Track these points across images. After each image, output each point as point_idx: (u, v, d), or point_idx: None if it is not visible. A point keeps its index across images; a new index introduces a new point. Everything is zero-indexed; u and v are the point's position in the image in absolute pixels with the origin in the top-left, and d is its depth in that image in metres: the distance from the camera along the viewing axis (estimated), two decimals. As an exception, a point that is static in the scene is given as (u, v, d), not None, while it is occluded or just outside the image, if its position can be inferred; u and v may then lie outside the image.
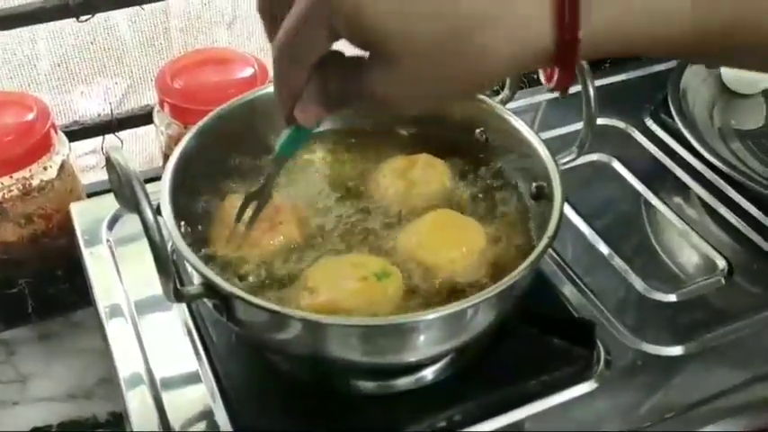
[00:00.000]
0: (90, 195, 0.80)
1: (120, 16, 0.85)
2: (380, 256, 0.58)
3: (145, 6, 0.82)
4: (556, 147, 0.61)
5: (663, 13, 0.38)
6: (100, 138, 0.87)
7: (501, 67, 0.39)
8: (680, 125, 0.80)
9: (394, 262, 0.57)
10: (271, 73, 0.79)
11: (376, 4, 0.37)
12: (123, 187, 0.46)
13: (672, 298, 0.68)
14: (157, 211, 0.52)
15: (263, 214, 0.57)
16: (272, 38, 0.44)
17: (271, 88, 0.66)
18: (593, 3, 0.37)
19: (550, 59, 0.38)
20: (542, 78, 0.44)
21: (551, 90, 0.42)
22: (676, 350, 0.64)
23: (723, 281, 0.70)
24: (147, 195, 0.46)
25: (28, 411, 0.70)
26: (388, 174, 0.64)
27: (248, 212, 0.57)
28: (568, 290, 0.68)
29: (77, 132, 0.85)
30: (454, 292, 0.56)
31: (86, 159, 0.94)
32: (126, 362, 0.61)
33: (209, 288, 0.50)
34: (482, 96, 0.65)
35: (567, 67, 0.39)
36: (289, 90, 0.44)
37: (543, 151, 0.60)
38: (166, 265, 0.47)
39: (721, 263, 0.71)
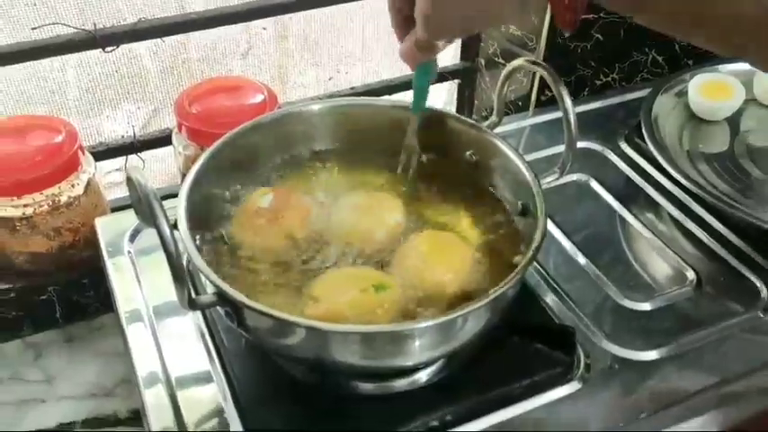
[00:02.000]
0: (114, 210, 0.79)
1: (142, 48, 0.84)
2: (379, 269, 0.57)
3: (165, 39, 0.82)
4: (540, 167, 0.61)
5: None
6: (123, 158, 0.87)
7: None
8: (652, 148, 0.79)
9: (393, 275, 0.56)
10: (279, 99, 0.79)
11: None
12: (142, 204, 0.46)
13: (646, 306, 0.67)
14: (174, 226, 0.52)
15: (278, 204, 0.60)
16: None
17: (282, 112, 0.67)
18: None
19: None
20: (556, 20, 0.46)
21: (561, 26, 0.44)
22: (650, 355, 0.63)
23: (692, 291, 0.69)
24: (164, 211, 0.45)
25: (53, 409, 0.69)
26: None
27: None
28: (550, 299, 0.67)
29: (103, 153, 0.84)
30: (449, 302, 0.55)
31: (112, 176, 0.94)
32: (144, 363, 0.61)
33: (222, 297, 0.50)
34: (472, 121, 0.65)
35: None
36: (398, 38, 0.53)
37: (527, 171, 0.59)
38: (182, 275, 0.47)
39: (690, 274, 0.70)
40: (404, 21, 0.53)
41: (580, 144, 0.85)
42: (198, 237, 0.57)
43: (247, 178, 0.64)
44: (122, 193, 0.91)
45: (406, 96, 0.96)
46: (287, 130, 0.67)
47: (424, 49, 0.53)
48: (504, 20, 0.53)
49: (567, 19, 0.45)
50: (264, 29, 0.92)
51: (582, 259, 0.71)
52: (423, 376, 0.58)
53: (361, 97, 0.88)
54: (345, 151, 0.68)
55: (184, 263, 0.61)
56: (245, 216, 0.60)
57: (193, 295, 0.49)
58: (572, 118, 0.57)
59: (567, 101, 0.57)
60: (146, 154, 0.89)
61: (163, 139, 0.86)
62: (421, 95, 0.60)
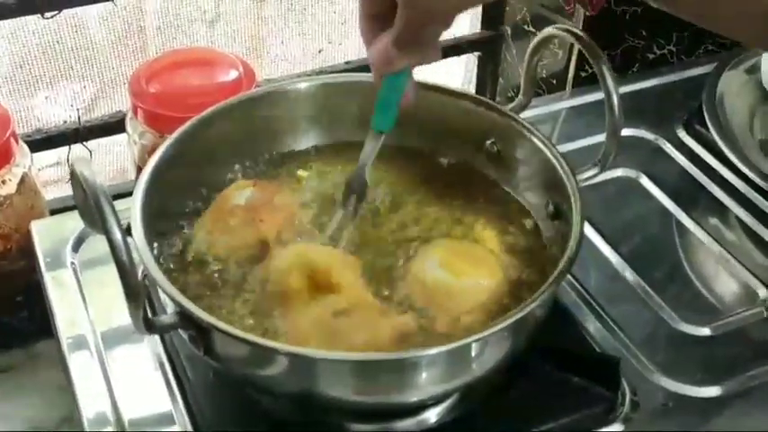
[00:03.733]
0: (54, 213, 0.80)
1: (89, 13, 0.85)
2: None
3: (117, 2, 0.83)
4: (578, 160, 0.62)
5: None
6: (65, 148, 0.88)
7: None
8: (716, 137, 0.80)
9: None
10: (258, 75, 0.80)
11: None
12: (89, 204, 0.47)
13: (707, 331, 0.68)
14: (128, 231, 0.53)
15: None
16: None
17: (260, 92, 0.68)
18: None
19: None
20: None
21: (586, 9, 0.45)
22: (712, 390, 0.63)
23: (765, 312, 0.70)
24: (115, 213, 0.46)
25: (-19, 454, 0.70)
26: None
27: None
28: (590, 322, 0.68)
29: (40, 142, 0.85)
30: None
31: (50, 172, 0.95)
32: (90, 400, 0.61)
33: (184, 317, 0.50)
34: (492, 103, 0.66)
35: None
36: (366, 42, 0.51)
37: (561, 165, 0.60)
38: (136, 291, 0.47)
39: (763, 292, 0.71)
40: (373, 19, 0.52)
41: (628, 131, 0.86)
42: (156, 244, 0.58)
43: (218, 173, 0.65)
44: (64, 191, 0.92)
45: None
46: (268, 113, 0.68)
47: (404, 49, 0.51)
48: None
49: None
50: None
51: (629, 274, 0.72)
52: (432, 416, 0.59)
53: (358, 73, 0.89)
54: (339, 139, 0.69)
55: (140, 276, 0.62)
56: (216, 216, 0.61)
57: (150, 316, 0.50)
58: (615, 100, 0.58)
59: (610, 79, 0.57)
60: (93, 143, 0.90)
61: (114, 126, 0.87)
62: (388, 111, 0.56)
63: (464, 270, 0.58)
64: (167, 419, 0.60)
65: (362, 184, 0.60)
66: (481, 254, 0.61)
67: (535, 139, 0.63)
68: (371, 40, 0.52)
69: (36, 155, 0.80)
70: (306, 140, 0.69)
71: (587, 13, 0.46)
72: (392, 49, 0.50)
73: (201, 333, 0.51)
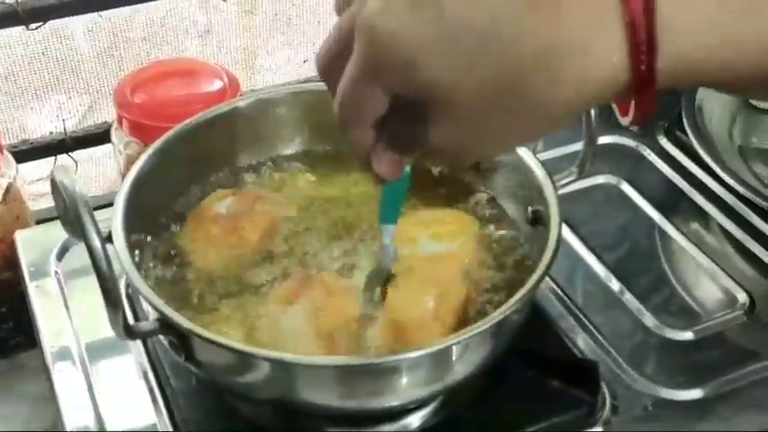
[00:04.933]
0: (39, 222, 0.80)
1: (75, 24, 0.86)
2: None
3: (103, 13, 0.83)
4: (559, 167, 0.62)
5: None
6: (53, 160, 0.88)
7: (572, 110, 0.40)
8: (695, 143, 0.80)
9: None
10: (243, 86, 0.81)
11: (428, 59, 0.39)
12: (69, 212, 0.47)
13: (687, 336, 0.68)
14: (109, 239, 0.53)
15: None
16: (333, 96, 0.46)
17: (242, 101, 0.68)
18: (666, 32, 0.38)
19: (623, 92, 0.39)
20: (617, 114, 0.45)
21: (630, 125, 0.43)
22: (693, 393, 0.64)
23: (745, 317, 0.70)
24: (94, 221, 0.46)
25: (-36, 465, 0.70)
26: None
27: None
28: (571, 327, 0.68)
29: (26, 153, 0.85)
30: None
31: (38, 186, 0.95)
32: (74, 411, 0.61)
33: (165, 324, 0.51)
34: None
35: (644, 97, 0.40)
36: (365, 150, 0.46)
37: (538, 170, 0.60)
38: (115, 297, 0.47)
39: (742, 297, 0.71)
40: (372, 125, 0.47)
41: (609, 139, 0.86)
42: (138, 252, 0.58)
43: (201, 182, 0.66)
44: (51, 203, 0.91)
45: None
46: (250, 122, 0.68)
47: (413, 152, 0.47)
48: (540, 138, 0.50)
49: (637, 119, 0.45)
50: (224, 0, 0.93)
51: (611, 280, 0.73)
52: (414, 420, 0.59)
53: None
54: (322, 149, 0.69)
55: (122, 284, 0.63)
56: (197, 225, 0.62)
57: (131, 321, 0.50)
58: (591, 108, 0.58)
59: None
60: (80, 154, 0.90)
61: (100, 136, 0.87)
62: (398, 203, 0.54)
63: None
64: (151, 429, 0.60)
65: (386, 276, 0.58)
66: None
67: (514, 146, 0.63)
68: (369, 146, 0.47)
69: (23, 166, 0.80)
70: (288, 148, 0.70)
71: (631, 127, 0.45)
72: (398, 157, 0.47)
73: (182, 339, 0.51)
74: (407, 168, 0.49)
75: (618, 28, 0.38)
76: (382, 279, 0.57)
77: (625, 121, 0.42)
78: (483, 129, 0.41)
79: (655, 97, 0.40)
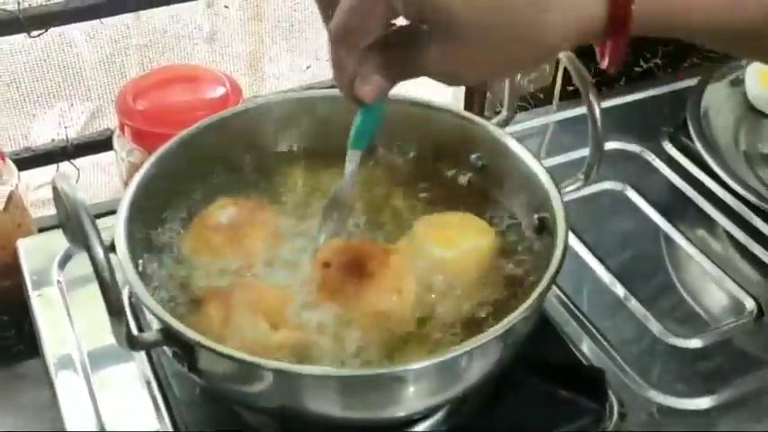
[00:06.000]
0: (41, 230, 0.80)
1: (76, 32, 0.85)
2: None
3: (105, 20, 0.83)
4: (565, 173, 0.62)
5: None
6: (55, 166, 0.88)
7: (557, 40, 0.44)
8: (701, 150, 0.80)
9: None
10: (247, 92, 0.80)
11: None
12: (71, 220, 0.46)
13: (695, 343, 0.68)
14: (112, 248, 0.53)
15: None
16: (327, 22, 0.48)
17: (242, 108, 0.68)
18: None
19: (603, 33, 0.44)
20: (597, 56, 0.48)
21: (606, 68, 0.47)
22: (701, 402, 0.63)
23: (753, 324, 0.70)
24: (96, 229, 0.46)
25: (-34, 476, 0.69)
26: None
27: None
28: (578, 335, 0.67)
29: (29, 160, 0.85)
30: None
31: (42, 192, 0.94)
32: (76, 420, 0.61)
33: (168, 334, 0.50)
34: (478, 119, 0.66)
35: (618, 39, 0.44)
36: (348, 73, 0.48)
37: (545, 177, 0.60)
38: (118, 307, 0.47)
39: (750, 304, 0.71)
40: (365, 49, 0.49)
41: (616, 145, 0.86)
42: (141, 261, 0.57)
43: (203, 188, 0.65)
44: (54, 210, 0.91)
45: (398, 87, 0.97)
46: (252, 129, 0.67)
47: (397, 79, 0.49)
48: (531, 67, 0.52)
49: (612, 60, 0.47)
50: (226, 7, 0.93)
51: (617, 287, 0.72)
52: (421, 430, 0.59)
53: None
54: (323, 155, 0.69)
55: (125, 293, 0.62)
56: (199, 234, 0.61)
57: (136, 332, 0.50)
58: (597, 111, 0.58)
59: (592, 94, 0.57)
60: (83, 161, 0.89)
61: (103, 143, 0.87)
62: (370, 131, 0.56)
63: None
64: (154, 437, 0.60)
65: (349, 200, 0.60)
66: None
67: (519, 152, 0.63)
68: (354, 68, 0.49)
69: (25, 173, 0.79)
70: (289, 155, 0.69)
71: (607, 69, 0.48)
72: (383, 81, 0.49)
73: (185, 349, 0.51)
74: (382, 105, 0.52)
75: None
76: (342, 208, 0.60)
77: (604, 64, 0.46)
78: (479, 52, 0.45)
79: (627, 41, 0.44)
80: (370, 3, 0.45)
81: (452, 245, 0.60)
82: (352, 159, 0.57)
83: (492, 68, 0.47)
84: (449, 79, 0.49)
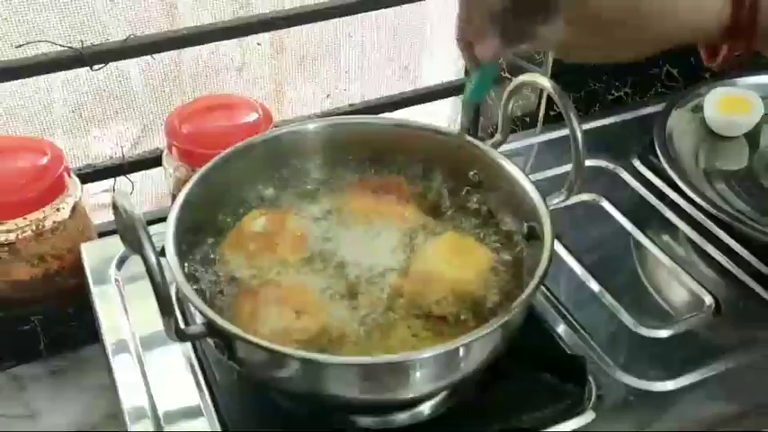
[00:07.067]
0: (102, 235, 0.80)
1: (131, 65, 0.85)
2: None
3: (155, 56, 0.83)
4: (548, 187, 0.61)
5: None
6: (112, 180, 0.88)
7: (672, 33, 0.41)
8: (666, 167, 0.80)
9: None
10: (275, 117, 0.80)
11: None
12: (128, 231, 0.46)
13: (661, 334, 0.67)
14: (162, 253, 0.53)
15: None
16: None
17: (274, 133, 0.67)
18: None
19: (725, 32, 0.41)
20: (703, 56, 0.45)
21: (716, 66, 0.44)
22: (667, 385, 0.63)
23: (711, 317, 0.69)
24: (149, 238, 0.46)
25: (37, 446, 0.69)
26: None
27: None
28: (560, 327, 0.67)
29: (90, 175, 0.85)
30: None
31: (101, 197, 0.94)
32: (131, 397, 0.61)
33: (211, 328, 0.50)
34: (477, 142, 0.65)
35: (743, 38, 0.41)
36: (472, 32, 0.48)
37: (533, 192, 0.59)
38: (168, 305, 0.47)
39: (709, 299, 0.70)
40: (490, 15, 0.49)
41: (591, 162, 0.85)
42: (186, 264, 0.57)
43: (240, 201, 0.65)
44: (111, 215, 0.91)
45: (407, 113, 0.97)
46: (281, 150, 0.67)
47: (514, 46, 0.49)
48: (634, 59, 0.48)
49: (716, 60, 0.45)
50: (259, 44, 0.93)
51: (594, 285, 0.71)
52: (425, 409, 0.58)
53: (361, 115, 0.89)
54: (344, 172, 0.68)
55: (173, 292, 0.62)
56: (237, 241, 0.61)
57: (182, 325, 0.49)
58: (579, 136, 0.57)
59: (575, 120, 0.57)
60: (136, 175, 0.89)
61: (153, 160, 0.87)
62: (484, 88, 0.57)
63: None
64: (196, 413, 0.59)
65: (473, 123, 0.62)
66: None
67: (511, 170, 0.62)
68: (481, 33, 0.49)
69: (87, 185, 0.79)
70: (314, 173, 0.68)
71: (713, 67, 0.46)
72: (500, 45, 0.49)
73: (225, 341, 0.50)
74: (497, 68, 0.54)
75: None
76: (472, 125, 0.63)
77: (712, 64, 0.44)
78: (595, 35, 0.43)
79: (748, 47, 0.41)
80: None
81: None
82: (469, 110, 0.61)
83: (601, 52, 0.46)
84: (561, 55, 0.49)
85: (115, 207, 0.48)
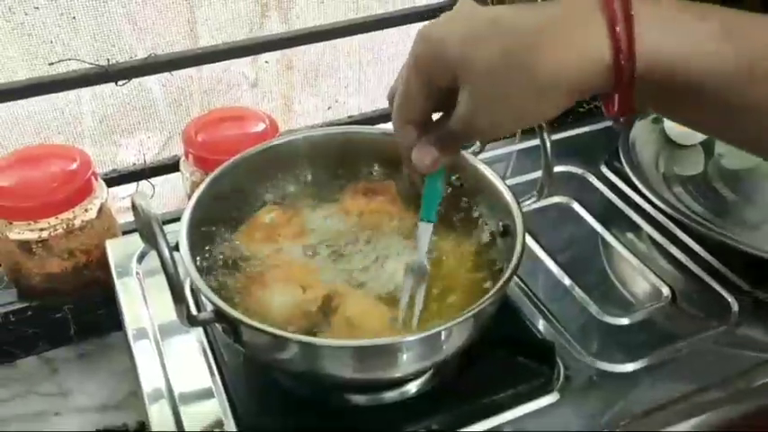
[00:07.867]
0: (125, 233, 0.80)
1: (152, 81, 0.86)
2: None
3: (174, 72, 0.83)
4: (524, 190, 0.62)
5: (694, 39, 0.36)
6: (135, 184, 0.88)
7: (558, 82, 0.37)
8: (629, 172, 0.80)
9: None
10: (282, 127, 0.80)
11: (450, 35, 0.39)
12: (145, 227, 0.47)
13: (624, 321, 0.68)
14: (176, 248, 0.53)
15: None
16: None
17: (278, 141, 0.68)
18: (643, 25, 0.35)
19: (610, 81, 0.37)
20: (604, 111, 0.42)
21: (613, 119, 0.42)
22: (628, 367, 0.63)
23: (668, 306, 0.69)
24: (164, 235, 0.46)
25: (67, 421, 0.69)
26: None
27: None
28: (535, 318, 0.67)
29: (115, 179, 0.85)
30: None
31: (125, 202, 0.94)
32: (149, 378, 0.61)
33: (219, 314, 0.50)
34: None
35: (626, 90, 0.37)
36: (407, 146, 0.46)
37: (508, 194, 0.60)
38: (181, 294, 0.47)
39: (666, 291, 0.71)
40: (414, 125, 0.46)
41: (563, 168, 0.86)
42: (198, 258, 0.58)
43: (247, 202, 0.65)
44: (133, 217, 0.92)
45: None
46: (285, 156, 0.67)
47: (449, 150, 0.46)
48: (544, 118, 0.43)
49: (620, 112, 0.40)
50: (267, 62, 0.93)
51: (566, 280, 0.72)
52: (412, 387, 0.59)
53: (355, 125, 0.89)
54: (340, 176, 0.69)
55: (187, 283, 0.62)
56: (247, 231, 0.62)
57: (194, 313, 0.50)
58: (548, 144, 0.58)
59: (545, 132, 0.58)
60: (157, 180, 0.90)
61: (171, 166, 0.87)
62: (434, 202, 0.51)
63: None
64: (208, 393, 0.60)
65: (423, 270, 0.54)
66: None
67: (488, 174, 0.62)
68: (412, 143, 0.46)
69: (113, 189, 0.79)
70: (315, 176, 0.69)
71: (615, 121, 0.43)
72: (436, 151, 0.45)
73: (232, 326, 0.51)
74: (442, 168, 0.47)
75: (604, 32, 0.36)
76: (421, 275, 0.53)
77: (610, 117, 0.41)
78: (496, 101, 0.39)
79: (632, 97, 0.37)
80: (414, 79, 0.42)
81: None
82: (425, 232, 0.51)
83: (510, 117, 0.41)
84: (480, 135, 0.44)
85: (134, 207, 0.48)
